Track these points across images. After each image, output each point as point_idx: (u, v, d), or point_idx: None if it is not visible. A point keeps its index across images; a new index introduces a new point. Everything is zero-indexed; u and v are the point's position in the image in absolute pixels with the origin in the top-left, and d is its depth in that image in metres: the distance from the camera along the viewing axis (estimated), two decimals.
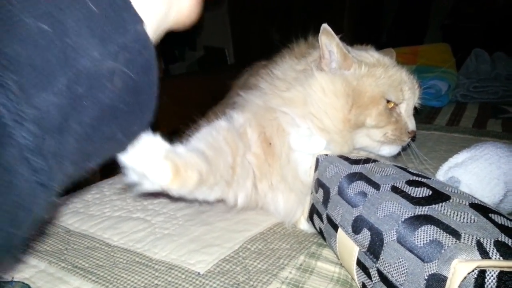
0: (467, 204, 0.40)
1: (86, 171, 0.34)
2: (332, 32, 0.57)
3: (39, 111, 0.25)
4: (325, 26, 0.57)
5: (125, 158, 0.42)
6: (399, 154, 0.65)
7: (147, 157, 0.43)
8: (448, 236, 0.35)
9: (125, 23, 0.30)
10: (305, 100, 0.59)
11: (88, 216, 0.64)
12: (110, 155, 0.36)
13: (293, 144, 0.60)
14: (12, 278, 0.49)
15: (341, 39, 0.58)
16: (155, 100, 0.36)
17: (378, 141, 0.61)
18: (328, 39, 0.58)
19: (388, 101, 0.59)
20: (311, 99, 0.58)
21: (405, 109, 0.63)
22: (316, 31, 0.58)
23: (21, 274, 0.50)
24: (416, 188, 0.43)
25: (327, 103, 0.57)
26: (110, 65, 0.29)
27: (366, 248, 0.43)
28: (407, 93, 0.62)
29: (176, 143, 0.51)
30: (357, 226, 0.45)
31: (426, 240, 0.36)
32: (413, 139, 0.65)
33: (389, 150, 0.63)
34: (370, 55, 0.64)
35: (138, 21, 0.31)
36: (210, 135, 0.57)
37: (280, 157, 0.61)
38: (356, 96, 0.57)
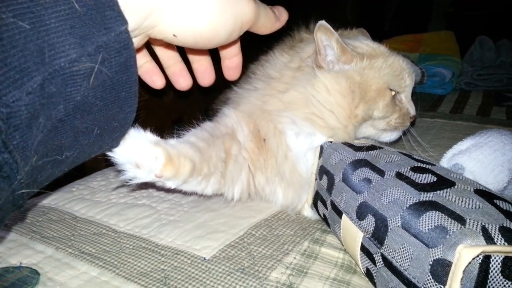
0: (472, 190, 0.40)
1: (69, 164, 0.33)
2: (331, 28, 0.56)
3: (9, 109, 0.25)
4: (322, 22, 0.55)
5: (116, 152, 0.42)
6: (399, 139, 0.66)
7: (138, 147, 0.44)
8: (453, 221, 0.36)
9: (108, 23, 0.29)
10: (306, 101, 0.58)
11: (94, 203, 0.65)
12: (93, 150, 0.36)
13: (292, 145, 0.60)
14: (20, 263, 0.49)
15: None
16: (136, 98, 0.35)
17: (381, 129, 0.62)
18: (326, 36, 0.56)
19: (391, 90, 0.59)
20: (314, 100, 0.57)
21: (406, 95, 0.63)
22: (318, 20, 0.56)
23: (28, 259, 0.50)
24: (421, 175, 0.43)
25: (333, 102, 0.57)
26: (87, 65, 0.29)
27: (371, 234, 0.43)
28: (407, 80, 0.62)
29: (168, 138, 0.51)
30: (362, 212, 0.45)
31: (431, 226, 0.36)
32: (413, 123, 0.66)
33: (390, 136, 0.64)
34: (365, 44, 0.63)
35: (121, 21, 0.30)
36: (200, 131, 0.58)
37: (277, 155, 0.61)
38: (362, 92, 0.57)
